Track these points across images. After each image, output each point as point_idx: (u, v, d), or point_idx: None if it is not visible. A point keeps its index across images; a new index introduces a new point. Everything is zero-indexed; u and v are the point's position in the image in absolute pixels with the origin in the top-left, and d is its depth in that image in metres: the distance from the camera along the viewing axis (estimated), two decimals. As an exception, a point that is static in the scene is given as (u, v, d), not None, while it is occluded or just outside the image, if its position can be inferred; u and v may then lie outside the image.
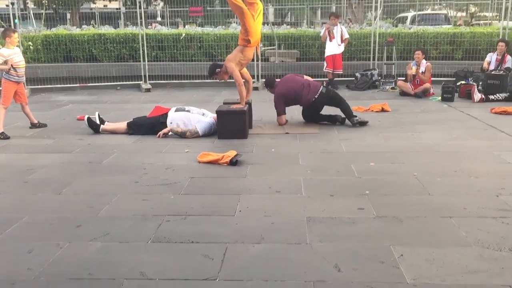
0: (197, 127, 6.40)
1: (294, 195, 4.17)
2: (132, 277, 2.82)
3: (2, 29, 11.64)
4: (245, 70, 6.81)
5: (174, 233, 3.41)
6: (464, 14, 22.56)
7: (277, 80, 7.38)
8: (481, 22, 19.15)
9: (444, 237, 3.29)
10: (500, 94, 8.83)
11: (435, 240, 3.24)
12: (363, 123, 6.91)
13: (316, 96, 6.86)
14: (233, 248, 3.17)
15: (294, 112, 8.04)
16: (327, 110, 7.18)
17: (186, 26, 16.42)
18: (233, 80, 6.62)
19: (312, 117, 7.22)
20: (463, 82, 9.62)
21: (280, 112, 7.07)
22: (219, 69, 6.66)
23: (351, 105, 8.36)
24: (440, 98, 9.06)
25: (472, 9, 27.06)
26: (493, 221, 3.53)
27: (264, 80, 7.55)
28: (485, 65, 9.86)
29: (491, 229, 3.38)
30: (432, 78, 9.87)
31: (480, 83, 9.41)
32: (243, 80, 6.61)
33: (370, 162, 5.11)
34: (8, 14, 11.05)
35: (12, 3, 10.98)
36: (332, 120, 7.15)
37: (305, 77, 7.37)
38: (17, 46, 6.97)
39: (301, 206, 3.89)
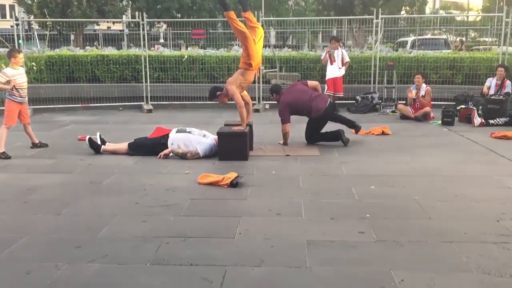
0: (198, 148, 6.42)
1: (295, 218, 4.16)
2: (130, 300, 2.80)
3: (7, 49, 11.80)
4: (245, 92, 6.87)
5: (174, 255, 3.40)
6: (464, 39, 22.82)
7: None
8: (481, 47, 19.34)
9: (445, 262, 3.27)
10: (500, 119, 8.87)
11: (436, 265, 3.22)
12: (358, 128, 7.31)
13: (326, 105, 6.97)
14: (232, 271, 3.15)
15: (295, 134, 8.07)
16: (327, 127, 7.31)
17: (189, 48, 16.61)
18: (234, 102, 6.67)
19: (314, 137, 7.26)
20: (463, 106, 9.67)
21: (285, 120, 7.12)
22: (219, 92, 6.72)
23: (351, 128, 8.41)
24: (440, 122, 9.09)
25: (472, 34, 27.37)
26: (494, 246, 3.51)
27: (270, 91, 7.61)
28: (485, 89, 9.93)
29: (492, 255, 3.36)
30: (432, 102, 9.91)
31: (480, 107, 9.46)
32: (244, 102, 6.66)
33: (370, 185, 5.11)
34: (13, 35, 11.18)
35: (17, 24, 11.12)
36: (335, 136, 7.18)
37: (309, 82, 7.56)
38: (21, 66, 7.03)
39: (301, 229, 3.88)
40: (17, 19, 11.35)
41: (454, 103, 10.20)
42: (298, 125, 8.99)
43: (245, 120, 6.55)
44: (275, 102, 7.64)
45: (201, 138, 6.58)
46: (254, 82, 11.42)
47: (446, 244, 3.56)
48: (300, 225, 3.99)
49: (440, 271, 3.13)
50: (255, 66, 6.65)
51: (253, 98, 11.30)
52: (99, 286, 2.97)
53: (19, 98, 6.83)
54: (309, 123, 7.33)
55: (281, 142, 7.29)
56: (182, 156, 6.37)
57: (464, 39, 22.66)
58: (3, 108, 6.97)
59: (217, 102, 7.03)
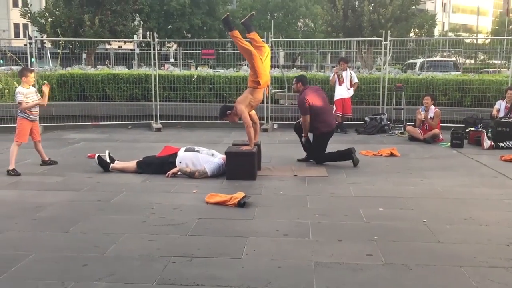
0: (206, 167, 6.43)
1: (302, 239, 4.13)
2: (136, 320, 2.79)
3: (20, 67, 11.99)
4: (253, 112, 6.89)
5: (180, 275, 3.38)
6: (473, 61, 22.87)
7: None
8: (490, 69, 19.34)
9: (454, 286, 3.23)
10: (510, 142, 8.80)
11: (445, 289, 3.18)
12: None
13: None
14: (239, 292, 3.13)
15: (303, 154, 8.07)
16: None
17: (198, 68, 16.75)
18: (240, 122, 6.71)
19: (323, 156, 7.29)
20: (472, 128, 9.64)
21: (306, 111, 7.20)
22: (229, 111, 6.76)
23: (360, 149, 8.40)
24: (449, 144, 9.06)
25: (481, 56, 27.40)
26: (504, 271, 3.47)
27: (296, 78, 7.67)
28: (494, 112, 9.89)
29: (503, 280, 3.32)
30: (441, 124, 9.89)
31: (490, 130, 9.42)
32: (251, 122, 6.68)
33: (378, 207, 5.08)
34: (26, 53, 11.37)
35: (30, 43, 11.31)
36: (345, 155, 7.18)
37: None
38: (32, 85, 7.12)
39: (308, 251, 3.86)
40: (30, 38, 11.54)
41: (464, 125, 10.17)
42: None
43: (252, 139, 6.57)
44: (293, 93, 7.74)
45: (209, 157, 6.60)
46: (262, 102, 11.52)
47: (455, 268, 3.52)
48: (308, 246, 3.97)
49: (449, 295, 3.08)
50: (263, 84, 6.68)
51: (261, 118, 11.39)
52: (105, 305, 2.96)
53: (31, 116, 6.92)
54: (317, 143, 7.32)
55: (304, 136, 7.38)
56: (190, 175, 6.39)
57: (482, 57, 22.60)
58: (15, 125, 7.05)
59: (227, 121, 7.06)
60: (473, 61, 27.92)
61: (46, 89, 7.11)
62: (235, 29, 6.71)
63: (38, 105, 7.02)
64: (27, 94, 6.85)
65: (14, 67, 13.31)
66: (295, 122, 11.60)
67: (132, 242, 4.05)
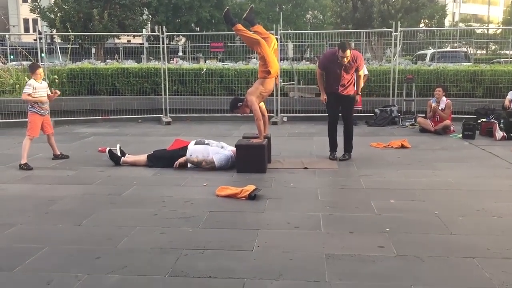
0: (214, 158, 6.43)
1: (313, 231, 4.13)
2: (149, 312, 2.80)
3: (30, 62, 12.05)
4: (262, 104, 6.87)
5: (192, 268, 3.40)
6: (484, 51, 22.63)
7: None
8: (502, 60, 19.12)
9: (468, 278, 3.21)
10: (523, 132, 8.72)
11: (457, 281, 3.16)
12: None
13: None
14: (251, 284, 3.14)
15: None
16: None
17: (207, 61, 16.75)
18: (250, 115, 6.69)
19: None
20: (484, 119, 9.54)
21: (319, 66, 7.10)
22: (240, 103, 6.74)
23: (371, 141, 8.37)
24: (460, 135, 8.98)
25: (493, 47, 27.11)
26: (518, 262, 3.44)
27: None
28: (506, 103, 9.78)
29: (516, 271, 3.29)
30: (453, 115, 9.80)
31: (502, 121, 9.32)
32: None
33: (390, 199, 5.06)
34: (36, 48, 11.43)
35: (40, 38, 11.37)
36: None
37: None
38: (43, 80, 7.15)
39: (320, 243, 3.85)
40: (40, 33, 11.60)
41: (475, 116, 10.07)
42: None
43: (262, 132, 6.56)
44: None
45: (219, 149, 6.61)
46: (272, 95, 11.49)
47: (468, 260, 3.49)
48: (319, 238, 3.96)
49: (462, 287, 3.06)
50: (273, 73, 6.62)
51: (271, 111, 11.38)
52: (118, 297, 2.98)
53: (42, 111, 6.97)
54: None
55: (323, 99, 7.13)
56: (197, 165, 6.41)
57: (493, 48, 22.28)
58: (27, 119, 7.11)
59: (238, 114, 7.04)
60: (484, 52, 27.62)
61: (53, 95, 7.16)
62: (237, 22, 6.66)
63: (47, 101, 7.05)
64: (38, 88, 6.88)
65: (24, 62, 13.39)
66: (305, 114, 11.65)
67: (144, 235, 4.07)
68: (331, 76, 6.89)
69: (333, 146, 7.22)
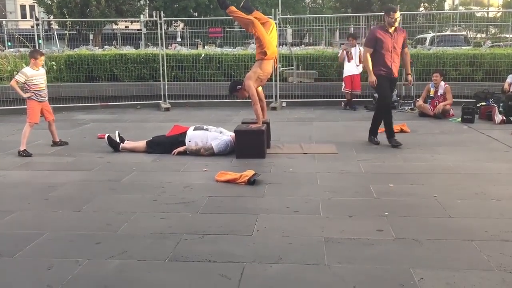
0: (213, 144, 6.44)
1: (312, 216, 4.14)
2: (149, 296, 2.83)
3: (28, 49, 11.99)
4: (260, 89, 6.84)
5: (192, 252, 3.41)
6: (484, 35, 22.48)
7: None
8: (502, 43, 19.02)
9: (466, 260, 3.23)
10: (522, 116, 8.71)
11: (456, 263, 3.18)
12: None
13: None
14: (250, 268, 3.16)
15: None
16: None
17: (206, 47, 16.65)
18: (249, 100, 6.67)
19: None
20: (483, 103, 9.52)
21: (367, 44, 6.97)
22: (239, 86, 6.71)
23: (369, 126, 8.34)
24: (460, 119, 8.97)
25: (492, 30, 26.95)
26: (516, 245, 3.45)
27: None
28: (506, 86, 9.76)
29: (514, 253, 3.31)
30: (452, 99, 9.78)
31: (501, 104, 9.30)
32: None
33: (389, 183, 5.07)
34: (33, 35, 11.35)
35: (37, 24, 11.29)
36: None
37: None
38: (42, 67, 7.10)
39: (319, 227, 3.87)
40: (37, 19, 11.53)
41: (474, 100, 10.05)
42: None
43: (260, 117, 6.53)
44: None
45: (217, 135, 6.61)
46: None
47: (466, 242, 3.51)
48: (318, 222, 3.98)
49: (461, 269, 3.09)
50: (270, 54, 6.53)
51: (270, 96, 11.36)
52: (119, 281, 3.00)
53: (40, 98, 6.94)
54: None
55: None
56: (196, 152, 6.42)
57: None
58: (25, 106, 7.09)
59: (237, 97, 7.01)
60: (484, 35, 27.45)
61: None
62: (230, 4, 6.61)
63: (44, 89, 7.02)
64: (33, 76, 6.84)
65: (22, 49, 13.32)
66: (304, 100, 11.63)
67: (144, 220, 4.09)
68: (381, 54, 6.75)
69: (376, 131, 7.14)
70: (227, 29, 16.56)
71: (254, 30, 6.41)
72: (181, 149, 6.50)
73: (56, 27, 20.13)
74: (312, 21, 18.99)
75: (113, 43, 19.86)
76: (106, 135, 6.91)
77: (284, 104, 11.61)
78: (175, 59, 12.21)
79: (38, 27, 11.31)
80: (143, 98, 11.97)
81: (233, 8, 6.53)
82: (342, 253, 3.37)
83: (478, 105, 9.49)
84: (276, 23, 11.28)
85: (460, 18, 19.47)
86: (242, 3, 6.86)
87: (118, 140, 6.85)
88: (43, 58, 7.03)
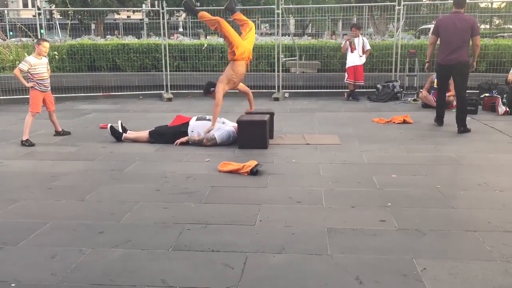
0: (215, 134, 6.44)
1: (315, 206, 4.15)
2: (153, 285, 2.84)
3: (30, 38, 11.96)
4: (241, 85, 6.90)
5: (195, 242, 3.42)
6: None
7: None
8: (506, 34, 18.91)
9: (468, 251, 3.24)
10: (525, 107, 8.67)
11: (459, 254, 3.19)
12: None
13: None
14: (253, 257, 3.17)
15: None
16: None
17: (208, 37, 16.59)
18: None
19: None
20: (487, 94, 9.48)
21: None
22: (213, 88, 6.69)
23: (373, 117, 8.35)
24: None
25: (496, 21, 26.76)
26: (519, 236, 3.46)
27: None
28: (509, 77, 9.71)
29: (517, 244, 3.31)
30: (455, 90, 9.73)
31: (505, 95, 9.26)
32: (245, 93, 6.84)
33: (392, 174, 5.06)
34: (35, 24, 11.32)
35: (39, 14, 11.26)
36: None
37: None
38: (44, 56, 7.07)
39: (322, 217, 3.87)
40: (39, 9, 11.49)
41: (478, 91, 10.01)
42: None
43: (216, 119, 6.51)
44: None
45: (220, 125, 6.61)
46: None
47: (469, 233, 3.51)
48: (321, 213, 3.98)
49: (463, 260, 3.09)
50: (238, 54, 6.49)
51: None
52: (122, 270, 3.02)
53: (42, 88, 6.93)
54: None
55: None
56: (199, 143, 6.42)
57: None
58: (28, 96, 7.08)
59: (212, 98, 6.87)
60: (488, 26, 27.25)
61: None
62: (199, 11, 6.79)
63: (47, 78, 7.00)
64: (36, 64, 6.82)
65: (24, 39, 13.29)
66: (307, 90, 11.61)
67: (147, 210, 4.10)
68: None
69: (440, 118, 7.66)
70: (229, 19, 16.47)
71: (220, 28, 6.45)
72: (183, 139, 6.50)
73: (58, 16, 20.08)
74: (315, 11, 18.87)
75: (115, 32, 19.80)
76: (109, 125, 6.91)
77: (286, 95, 11.58)
78: (177, 49, 12.18)
79: (40, 17, 11.30)
80: (145, 88, 11.96)
81: (201, 13, 6.71)
82: (345, 243, 3.38)
83: (482, 96, 9.46)
84: (278, 13, 11.28)
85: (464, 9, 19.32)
86: (226, 4, 6.99)
87: (120, 130, 6.86)
88: (47, 44, 6.99)
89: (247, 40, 6.63)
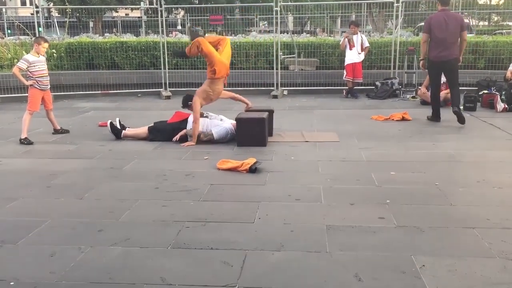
0: (213, 130, 6.44)
1: (314, 203, 4.15)
2: (152, 282, 2.84)
3: (27, 36, 11.93)
4: (224, 92, 6.80)
5: (194, 239, 3.43)
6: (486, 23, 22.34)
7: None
8: (504, 31, 18.92)
9: (467, 248, 3.24)
10: (524, 104, 8.68)
11: (457, 250, 3.19)
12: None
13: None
14: (252, 255, 3.17)
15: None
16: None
17: (206, 35, 16.56)
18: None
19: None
20: (485, 91, 9.48)
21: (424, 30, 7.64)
22: (191, 102, 6.62)
23: (371, 114, 8.36)
24: (462, 107, 8.93)
25: (495, 18, 26.78)
26: (518, 232, 3.46)
27: None
28: (508, 74, 9.70)
29: (516, 241, 3.31)
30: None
31: (503, 92, 9.26)
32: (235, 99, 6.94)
33: (390, 171, 5.07)
34: (33, 22, 11.29)
35: (37, 11, 11.22)
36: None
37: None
38: (42, 55, 7.05)
39: (320, 215, 3.88)
40: (37, 7, 11.46)
41: (477, 88, 10.01)
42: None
43: (196, 136, 6.40)
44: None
45: (218, 122, 6.62)
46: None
47: (468, 230, 3.52)
48: (320, 210, 3.98)
49: (462, 256, 3.09)
50: (218, 72, 6.41)
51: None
52: (121, 268, 3.02)
53: (41, 86, 6.92)
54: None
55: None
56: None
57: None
58: (26, 94, 7.06)
59: (190, 111, 6.77)
60: (486, 23, 27.29)
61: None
62: (184, 51, 6.70)
63: (46, 76, 6.99)
64: (35, 62, 6.81)
65: (22, 37, 13.26)
66: (305, 88, 11.61)
67: (146, 208, 4.10)
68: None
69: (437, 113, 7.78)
70: (228, 17, 16.46)
71: (201, 48, 6.29)
72: (182, 132, 6.51)
73: (56, 14, 20.02)
74: (313, 8, 18.84)
75: (114, 30, 19.77)
76: (109, 121, 6.90)
77: (285, 92, 11.57)
78: (175, 46, 12.14)
79: (38, 15, 11.26)
80: (144, 86, 11.94)
81: (187, 50, 6.54)
82: (344, 240, 3.38)
83: (480, 93, 9.46)
84: (277, 10, 11.26)
85: (463, 6, 19.32)
86: (190, 37, 6.91)
87: (119, 128, 6.85)
88: (46, 45, 6.98)
89: (224, 55, 6.51)
